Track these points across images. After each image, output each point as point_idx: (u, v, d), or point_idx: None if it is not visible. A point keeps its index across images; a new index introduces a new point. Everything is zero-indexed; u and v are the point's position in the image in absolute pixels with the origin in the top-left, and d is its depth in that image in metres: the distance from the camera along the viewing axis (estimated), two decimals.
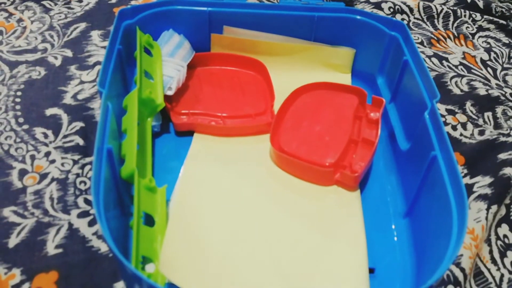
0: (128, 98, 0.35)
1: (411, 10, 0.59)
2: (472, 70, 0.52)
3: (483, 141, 0.43)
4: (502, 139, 0.43)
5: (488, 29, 0.58)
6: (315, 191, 0.36)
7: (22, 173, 0.38)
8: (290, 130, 0.39)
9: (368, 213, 0.35)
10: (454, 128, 0.45)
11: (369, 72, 0.46)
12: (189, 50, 0.43)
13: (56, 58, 0.48)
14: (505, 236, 0.37)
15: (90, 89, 0.45)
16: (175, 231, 0.32)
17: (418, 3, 0.59)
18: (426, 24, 0.58)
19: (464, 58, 0.54)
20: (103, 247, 0.33)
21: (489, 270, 0.34)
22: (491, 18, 0.59)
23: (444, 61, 0.53)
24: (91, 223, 0.35)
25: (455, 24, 0.58)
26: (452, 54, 0.54)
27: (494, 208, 0.37)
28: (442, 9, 0.59)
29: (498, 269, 0.34)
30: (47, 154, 0.39)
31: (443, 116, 0.46)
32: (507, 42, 0.57)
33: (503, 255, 0.35)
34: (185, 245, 0.31)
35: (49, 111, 0.43)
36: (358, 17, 0.44)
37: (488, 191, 0.38)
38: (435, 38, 0.56)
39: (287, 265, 0.31)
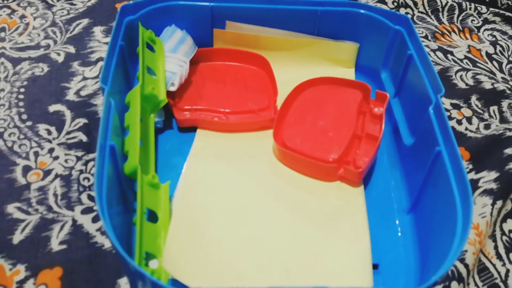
0: (131, 94, 0.35)
1: (415, 3, 0.58)
2: (478, 64, 0.51)
3: (488, 136, 0.43)
4: (509, 133, 0.43)
5: (494, 22, 0.57)
6: (318, 187, 0.36)
7: (26, 169, 0.38)
8: (293, 126, 0.39)
9: (372, 208, 0.35)
10: (459, 122, 0.45)
11: (373, 67, 0.46)
12: (192, 45, 0.43)
13: (59, 54, 0.48)
14: (510, 231, 0.36)
15: (93, 85, 0.45)
16: (179, 227, 0.32)
17: None
18: (431, 18, 0.58)
19: (469, 51, 0.53)
20: (107, 243, 0.34)
21: (494, 265, 0.34)
22: (497, 10, 0.58)
23: (449, 55, 0.52)
24: (95, 219, 0.35)
25: (460, 17, 0.57)
26: (457, 48, 0.53)
27: (499, 203, 0.37)
28: (447, 2, 0.58)
29: (504, 265, 0.34)
30: (51, 150, 0.39)
31: (448, 110, 0.46)
32: None
33: (508, 250, 0.35)
34: (188, 241, 0.31)
35: (52, 108, 0.43)
36: (362, 11, 0.43)
37: (493, 186, 0.38)
38: (440, 32, 0.55)
39: (290, 260, 0.31)
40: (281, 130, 0.38)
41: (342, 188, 0.36)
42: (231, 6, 0.43)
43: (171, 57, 0.40)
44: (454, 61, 0.51)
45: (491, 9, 0.59)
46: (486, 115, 0.46)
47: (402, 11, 0.58)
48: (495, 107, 0.46)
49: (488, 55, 0.53)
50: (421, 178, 0.33)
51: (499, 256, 0.35)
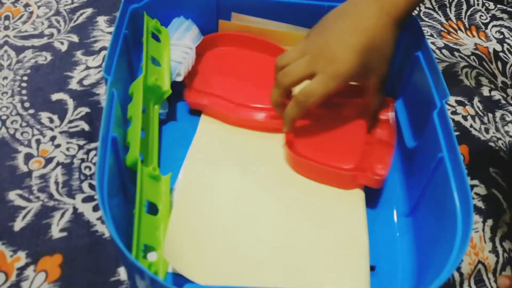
0: (134, 85, 0.35)
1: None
2: (483, 62, 0.51)
3: (486, 143, 0.43)
4: (498, 145, 0.43)
5: (501, 19, 0.57)
6: (318, 188, 0.36)
7: (28, 157, 0.38)
8: (304, 132, 0.38)
9: (371, 211, 0.35)
10: (464, 118, 0.45)
11: None
12: (198, 33, 0.42)
13: (62, 43, 0.48)
14: (510, 250, 0.37)
15: (96, 75, 0.45)
16: (179, 219, 0.31)
17: None
18: (438, 14, 0.57)
19: (476, 49, 0.52)
20: (107, 232, 0.34)
21: (489, 279, 0.35)
22: (504, 7, 0.58)
23: (455, 52, 0.52)
24: (95, 208, 0.35)
25: (469, 13, 0.57)
26: (464, 46, 0.53)
27: (490, 221, 0.38)
28: None
29: (495, 281, 0.35)
30: (53, 138, 0.39)
31: (453, 107, 0.46)
32: None
33: (503, 269, 0.35)
34: (189, 233, 0.31)
35: (55, 96, 0.43)
36: None
37: (482, 205, 0.39)
38: (446, 30, 0.55)
39: (288, 257, 0.31)
40: (293, 137, 0.37)
41: (341, 191, 0.35)
42: None
43: (176, 44, 0.40)
44: (461, 57, 0.51)
45: (498, 6, 0.58)
46: (485, 119, 0.45)
47: None
48: (492, 115, 0.46)
49: (495, 52, 0.52)
50: (422, 182, 0.33)
51: (494, 272, 0.35)
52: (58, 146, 0.39)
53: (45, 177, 0.37)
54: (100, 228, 0.34)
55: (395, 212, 0.35)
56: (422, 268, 0.31)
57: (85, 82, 0.44)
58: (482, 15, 0.57)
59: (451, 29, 0.55)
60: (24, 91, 0.43)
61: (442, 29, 0.55)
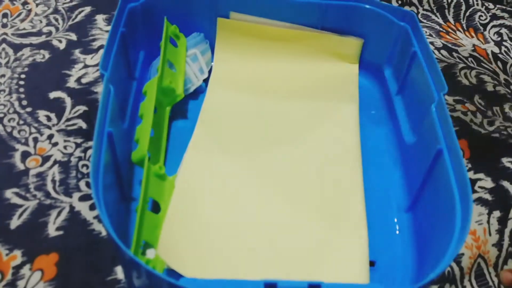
0: (149, 85, 0.36)
1: (420, 1, 0.58)
2: (482, 63, 0.51)
3: (491, 135, 0.43)
4: (509, 136, 0.42)
5: (502, 18, 0.56)
6: (318, 182, 0.36)
7: (25, 155, 0.38)
8: None
9: (371, 206, 0.35)
10: (464, 113, 0.44)
11: (376, 63, 0.45)
12: (209, 60, 0.44)
13: (60, 41, 0.48)
14: None
15: (94, 73, 0.45)
16: (175, 216, 0.31)
17: None
18: (436, 16, 0.57)
19: (474, 50, 0.52)
20: (104, 231, 0.33)
21: (489, 273, 0.34)
22: (504, 7, 0.58)
23: (454, 53, 0.52)
24: (92, 207, 0.35)
25: (467, 13, 0.57)
26: (462, 47, 0.53)
27: (496, 213, 0.37)
28: None
29: (496, 275, 0.34)
30: (50, 136, 0.39)
31: (451, 105, 0.46)
32: None
33: (505, 262, 0.35)
34: (185, 231, 0.31)
35: (53, 94, 0.43)
36: (367, 6, 0.43)
37: (488, 197, 0.38)
38: (444, 31, 0.55)
39: (286, 253, 0.31)
40: None
41: (341, 184, 0.35)
42: None
43: (190, 64, 0.42)
44: (459, 59, 0.51)
45: (498, 6, 0.58)
46: (489, 113, 0.45)
47: (407, 8, 0.57)
48: (497, 108, 0.46)
49: (493, 54, 0.52)
50: (421, 176, 0.33)
51: (495, 266, 0.35)
52: (55, 144, 0.39)
53: (42, 175, 0.37)
54: (97, 227, 0.34)
55: (394, 207, 0.35)
56: (422, 262, 0.31)
57: (83, 81, 0.44)
58: (481, 15, 0.57)
59: (449, 30, 0.55)
60: (21, 89, 0.43)
61: (441, 29, 0.55)
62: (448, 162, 0.30)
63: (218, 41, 0.45)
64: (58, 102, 0.42)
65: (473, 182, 0.39)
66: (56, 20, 0.50)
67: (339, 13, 0.43)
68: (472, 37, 0.55)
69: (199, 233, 0.31)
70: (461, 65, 0.50)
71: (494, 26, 0.56)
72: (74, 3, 0.52)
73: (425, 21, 0.56)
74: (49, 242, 0.33)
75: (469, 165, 0.40)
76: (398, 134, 0.39)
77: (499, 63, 0.52)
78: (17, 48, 0.47)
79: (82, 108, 0.42)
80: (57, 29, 0.49)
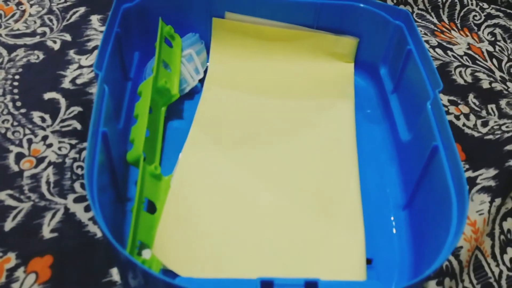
0: (144, 85, 0.36)
1: (415, 0, 0.58)
2: (477, 61, 0.51)
3: (486, 132, 0.43)
4: (507, 130, 0.43)
5: (498, 17, 0.57)
6: (314, 180, 0.36)
7: (19, 156, 0.37)
8: None
9: (367, 204, 0.35)
10: (457, 117, 0.45)
11: (372, 62, 0.45)
12: (204, 60, 0.44)
13: (55, 42, 0.47)
14: (508, 230, 0.36)
15: (89, 74, 0.45)
16: (171, 215, 0.31)
17: None
18: (431, 15, 0.57)
19: (469, 48, 0.53)
20: (99, 232, 0.33)
21: (489, 265, 0.34)
22: (498, 7, 0.58)
23: (448, 51, 0.52)
24: (87, 208, 0.35)
25: (462, 13, 0.57)
26: (457, 45, 0.53)
27: (498, 201, 0.37)
28: None
29: (497, 265, 0.34)
30: (44, 138, 0.39)
31: (445, 106, 0.46)
32: None
33: (503, 251, 0.35)
34: (181, 230, 0.31)
35: (47, 95, 0.42)
36: (362, 5, 0.43)
37: (492, 183, 0.38)
38: (439, 30, 0.55)
39: (282, 251, 0.31)
40: None
41: (338, 182, 0.36)
42: None
43: (186, 64, 0.41)
44: (454, 57, 0.51)
45: (492, 6, 0.58)
46: (484, 113, 0.45)
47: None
48: (493, 105, 0.46)
49: (488, 52, 0.53)
50: (417, 173, 0.33)
51: (494, 256, 0.34)
52: (50, 145, 0.38)
53: (37, 177, 0.36)
54: (92, 228, 0.33)
55: (391, 205, 0.35)
56: (419, 259, 0.31)
57: (78, 81, 0.44)
58: (476, 15, 0.57)
59: (444, 29, 0.55)
60: (15, 90, 0.43)
61: (436, 29, 0.55)
62: (444, 158, 0.30)
63: (213, 41, 0.45)
64: (53, 103, 0.42)
65: (474, 179, 0.39)
66: (51, 20, 0.50)
67: (334, 12, 0.44)
68: (467, 36, 0.55)
69: (195, 232, 0.31)
70: (456, 64, 0.50)
71: (488, 26, 0.56)
72: (68, 3, 0.52)
73: (420, 20, 0.57)
74: (44, 244, 0.32)
75: (467, 166, 0.40)
76: (394, 132, 0.40)
77: (494, 60, 0.52)
78: (11, 48, 0.46)
79: (77, 109, 0.41)
80: (51, 29, 0.49)
